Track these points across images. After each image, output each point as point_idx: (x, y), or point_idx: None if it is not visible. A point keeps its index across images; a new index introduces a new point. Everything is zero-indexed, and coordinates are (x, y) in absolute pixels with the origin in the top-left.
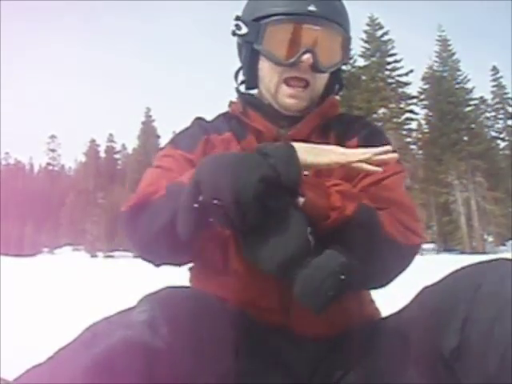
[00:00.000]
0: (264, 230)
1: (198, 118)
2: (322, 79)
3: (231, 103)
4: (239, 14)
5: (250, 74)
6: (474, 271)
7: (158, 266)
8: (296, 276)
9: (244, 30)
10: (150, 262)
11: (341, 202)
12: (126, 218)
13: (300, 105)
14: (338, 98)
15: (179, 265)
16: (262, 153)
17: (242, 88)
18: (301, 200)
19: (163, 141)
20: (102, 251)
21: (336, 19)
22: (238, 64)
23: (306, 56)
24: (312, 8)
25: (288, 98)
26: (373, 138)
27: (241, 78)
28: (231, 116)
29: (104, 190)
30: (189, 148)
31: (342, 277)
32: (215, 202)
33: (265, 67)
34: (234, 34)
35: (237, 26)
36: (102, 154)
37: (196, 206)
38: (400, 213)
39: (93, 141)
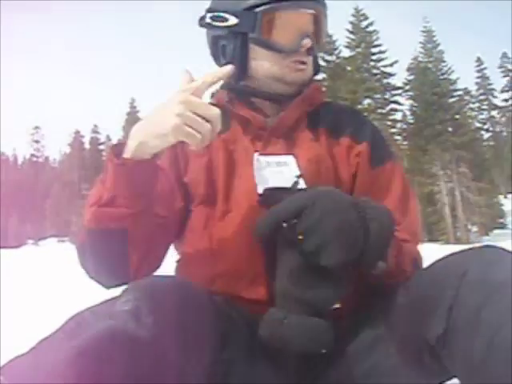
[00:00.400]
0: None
1: None
2: (312, 61)
3: (213, 94)
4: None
5: (241, 65)
6: (459, 258)
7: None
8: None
9: (233, 20)
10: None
11: (409, 267)
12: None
13: (304, 77)
14: (323, 89)
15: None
16: (363, 212)
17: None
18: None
19: None
20: None
21: (322, 1)
22: None
23: (306, 41)
24: None
25: (293, 72)
26: (364, 130)
27: None
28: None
29: (89, 181)
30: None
31: None
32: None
33: (261, 55)
34: (210, 25)
35: (218, 17)
36: (87, 146)
37: None
38: (414, 246)
39: (77, 132)
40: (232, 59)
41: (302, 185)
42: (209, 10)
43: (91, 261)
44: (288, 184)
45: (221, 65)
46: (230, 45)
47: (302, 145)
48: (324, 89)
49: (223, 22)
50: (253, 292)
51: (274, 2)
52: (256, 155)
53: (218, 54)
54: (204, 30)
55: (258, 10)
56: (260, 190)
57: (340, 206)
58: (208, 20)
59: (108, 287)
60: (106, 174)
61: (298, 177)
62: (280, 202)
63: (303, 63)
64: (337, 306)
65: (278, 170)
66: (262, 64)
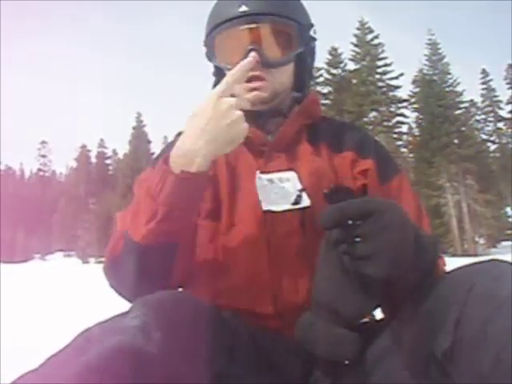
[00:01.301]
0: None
1: (180, 134)
2: (281, 72)
3: None
4: None
5: None
6: (466, 272)
7: None
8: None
9: (205, 49)
10: None
11: (442, 271)
12: (106, 277)
13: (262, 96)
14: (328, 101)
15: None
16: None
17: None
18: None
19: (154, 146)
20: (94, 257)
21: (276, 12)
22: None
23: (252, 55)
24: (243, 8)
25: (249, 92)
26: (367, 144)
27: None
28: None
29: (95, 195)
30: None
31: None
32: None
33: None
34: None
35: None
36: (93, 160)
37: None
38: None
39: (84, 146)
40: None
41: (304, 199)
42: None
43: (131, 276)
44: (291, 199)
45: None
46: (213, 71)
47: (303, 158)
48: (328, 102)
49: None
50: (259, 305)
51: (220, 24)
52: (258, 173)
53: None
54: None
55: (209, 36)
56: (264, 208)
57: (405, 223)
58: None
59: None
60: (159, 188)
61: (301, 191)
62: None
63: (258, 79)
64: (366, 319)
65: (280, 186)
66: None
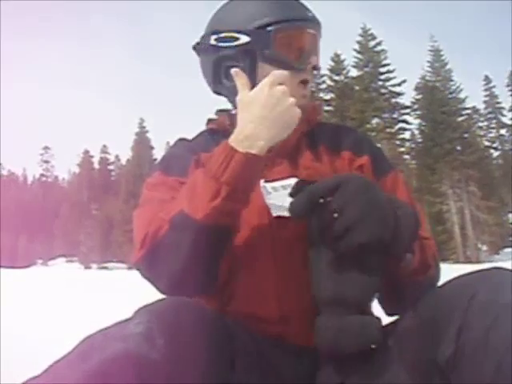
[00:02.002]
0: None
1: (181, 140)
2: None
3: (210, 120)
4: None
5: (251, 83)
6: (468, 280)
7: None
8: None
9: (244, 39)
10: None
11: (432, 262)
12: (142, 268)
13: (304, 105)
14: (330, 108)
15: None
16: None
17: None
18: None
19: (157, 152)
20: (96, 263)
21: (320, 24)
22: None
23: (313, 58)
24: (310, 14)
25: (302, 99)
26: (362, 144)
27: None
28: (215, 131)
29: (98, 201)
30: (181, 172)
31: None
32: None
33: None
34: (214, 47)
35: (226, 38)
36: (96, 166)
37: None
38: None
39: (86, 152)
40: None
41: None
42: (213, 32)
43: (180, 261)
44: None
45: (222, 87)
46: (240, 64)
47: (304, 165)
48: (331, 108)
49: (232, 41)
50: (263, 310)
51: (283, 21)
52: (262, 182)
53: (220, 76)
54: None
55: (270, 28)
56: (275, 214)
57: (372, 185)
58: (213, 42)
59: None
60: (223, 168)
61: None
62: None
63: (306, 83)
64: (375, 297)
65: (285, 193)
66: None
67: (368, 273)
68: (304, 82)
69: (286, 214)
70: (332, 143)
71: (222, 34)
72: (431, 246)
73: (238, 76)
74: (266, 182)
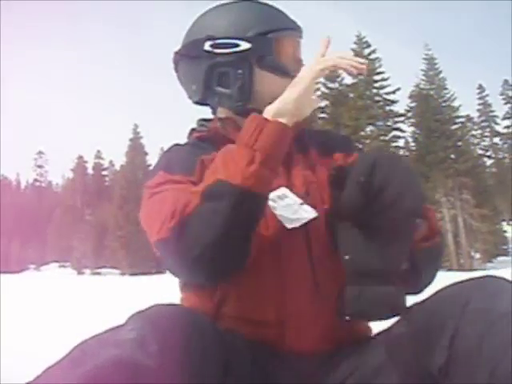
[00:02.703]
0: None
1: (177, 144)
2: None
3: (194, 130)
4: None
5: (249, 89)
6: (461, 288)
7: (213, 281)
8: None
9: (245, 45)
10: (207, 278)
11: (438, 230)
12: (170, 241)
13: None
14: (325, 115)
15: (237, 269)
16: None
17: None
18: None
19: (151, 158)
20: (89, 268)
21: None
22: None
23: (301, 66)
24: (295, 23)
25: None
26: (351, 144)
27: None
28: (209, 136)
29: (91, 206)
30: (187, 170)
31: None
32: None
33: (267, 79)
34: (208, 53)
35: (223, 44)
36: (90, 171)
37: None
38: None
39: (80, 157)
40: (236, 84)
41: (308, 210)
42: (208, 38)
43: (217, 229)
44: (297, 213)
45: (212, 95)
46: (236, 70)
47: (296, 169)
48: (325, 115)
49: (231, 47)
50: (261, 313)
51: (282, 29)
52: None
53: (212, 82)
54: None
55: (270, 35)
56: (289, 226)
57: (399, 156)
58: (207, 48)
59: (200, 274)
60: (255, 136)
61: (301, 204)
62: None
63: None
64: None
65: (284, 204)
66: (270, 87)
67: (400, 242)
68: None
69: (298, 223)
70: (322, 148)
71: (220, 41)
72: (433, 215)
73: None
74: None
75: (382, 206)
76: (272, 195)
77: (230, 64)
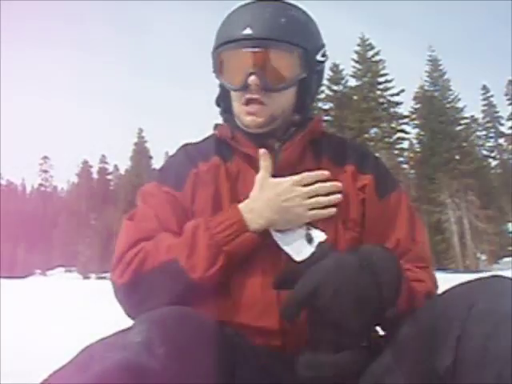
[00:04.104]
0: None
1: (185, 145)
2: (281, 96)
3: (217, 126)
4: None
5: (224, 105)
6: (468, 289)
7: None
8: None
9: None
10: None
11: (423, 302)
12: (120, 294)
13: (257, 121)
14: (329, 118)
15: None
16: (373, 266)
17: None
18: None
19: (156, 162)
20: (95, 273)
21: (279, 37)
22: None
23: (251, 78)
24: (247, 31)
25: (246, 116)
26: (367, 160)
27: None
28: (219, 140)
29: (96, 211)
30: (176, 185)
31: None
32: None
33: (232, 94)
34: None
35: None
36: (95, 175)
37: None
38: (427, 273)
39: (85, 162)
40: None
41: (316, 234)
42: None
43: (159, 300)
44: (304, 239)
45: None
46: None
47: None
48: (329, 118)
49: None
50: (264, 321)
51: (225, 43)
52: (272, 231)
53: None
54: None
55: (215, 52)
56: (299, 259)
57: (350, 273)
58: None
59: None
60: (229, 239)
61: (308, 228)
62: (296, 283)
63: (256, 102)
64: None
65: (290, 231)
66: (234, 101)
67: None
68: (247, 103)
69: (306, 255)
70: (336, 155)
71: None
72: (425, 284)
73: (263, 157)
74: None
75: (326, 325)
76: None
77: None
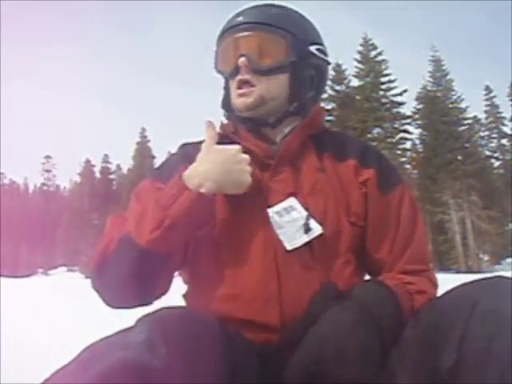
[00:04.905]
0: None
1: (184, 145)
2: (271, 81)
3: (223, 125)
4: None
5: (224, 100)
6: (470, 289)
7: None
8: None
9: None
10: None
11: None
12: (92, 280)
13: (247, 102)
14: (332, 118)
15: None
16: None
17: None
18: None
19: (158, 161)
20: None
21: (268, 22)
22: None
23: (241, 59)
24: (240, 19)
25: (237, 99)
26: (369, 155)
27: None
28: (222, 136)
29: (99, 210)
30: (168, 181)
31: None
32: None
33: (230, 86)
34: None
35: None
36: (97, 175)
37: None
38: (427, 279)
39: (88, 161)
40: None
41: (314, 226)
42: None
43: (122, 274)
44: (303, 228)
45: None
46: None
47: (307, 174)
48: (332, 118)
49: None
50: (265, 315)
51: (220, 36)
52: (270, 213)
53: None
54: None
55: (216, 46)
56: (289, 248)
57: (349, 332)
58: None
59: (116, 307)
60: (172, 200)
61: (307, 218)
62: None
63: (247, 84)
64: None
65: (289, 219)
66: (231, 93)
67: None
68: (240, 83)
69: (299, 243)
70: (337, 150)
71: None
72: (426, 291)
73: (208, 127)
74: (269, 207)
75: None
76: (278, 207)
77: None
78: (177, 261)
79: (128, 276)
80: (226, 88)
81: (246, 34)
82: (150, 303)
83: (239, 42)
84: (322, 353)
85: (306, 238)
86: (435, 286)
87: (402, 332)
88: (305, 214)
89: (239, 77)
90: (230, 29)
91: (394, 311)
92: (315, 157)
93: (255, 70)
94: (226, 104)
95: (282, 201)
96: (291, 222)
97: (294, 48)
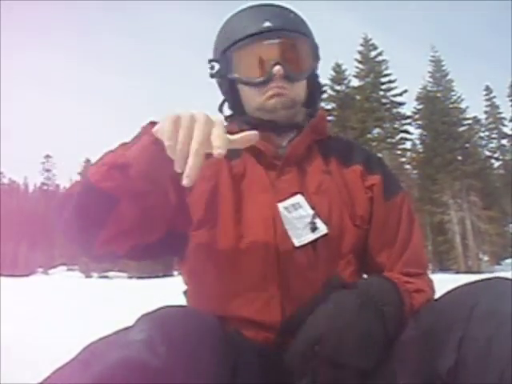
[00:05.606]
0: None
1: (152, 123)
2: (298, 86)
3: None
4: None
5: (234, 104)
6: (470, 290)
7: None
8: None
9: (217, 66)
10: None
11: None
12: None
13: (283, 100)
14: (332, 118)
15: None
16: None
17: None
18: None
19: None
20: (97, 272)
21: (295, 29)
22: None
23: (277, 68)
24: (268, 24)
25: (270, 100)
26: (374, 161)
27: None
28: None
29: None
30: None
31: None
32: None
33: (246, 92)
34: (212, 76)
35: (211, 67)
36: None
37: None
38: (424, 280)
39: (87, 161)
40: (227, 100)
41: (320, 225)
42: (209, 62)
43: (71, 214)
44: (309, 226)
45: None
46: (222, 87)
47: (313, 175)
48: (332, 118)
49: (213, 69)
50: (266, 315)
51: (243, 39)
52: (280, 208)
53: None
54: None
55: (229, 51)
56: (297, 244)
57: (351, 314)
58: (209, 70)
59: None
60: (135, 143)
61: (314, 217)
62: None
63: (281, 88)
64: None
65: (297, 215)
66: (248, 98)
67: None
68: (272, 96)
69: (306, 240)
70: (343, 156)
71: (211, 63)
72: (425, 294)
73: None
74: (279, 202)
75: (334, 366)
76: (286, 203)
77: (219, 83)
78: (127, 216)
79: (79, 213)
80: (233, 90)
81: (278, 41)
82: (89, 252)
83: (270, 49)
84: (323, 335)
85: (312, 236)
86: (432, 289)
87: (401, 332)
88: (311, 212)
89: (273, 84)
90: (258, 34)
91: (396, 301)
92: (321, 160)
93: (288, 78)
94: (234, 107)
95: (289, 197)
96: (299, 219)
97: (314, 54)
